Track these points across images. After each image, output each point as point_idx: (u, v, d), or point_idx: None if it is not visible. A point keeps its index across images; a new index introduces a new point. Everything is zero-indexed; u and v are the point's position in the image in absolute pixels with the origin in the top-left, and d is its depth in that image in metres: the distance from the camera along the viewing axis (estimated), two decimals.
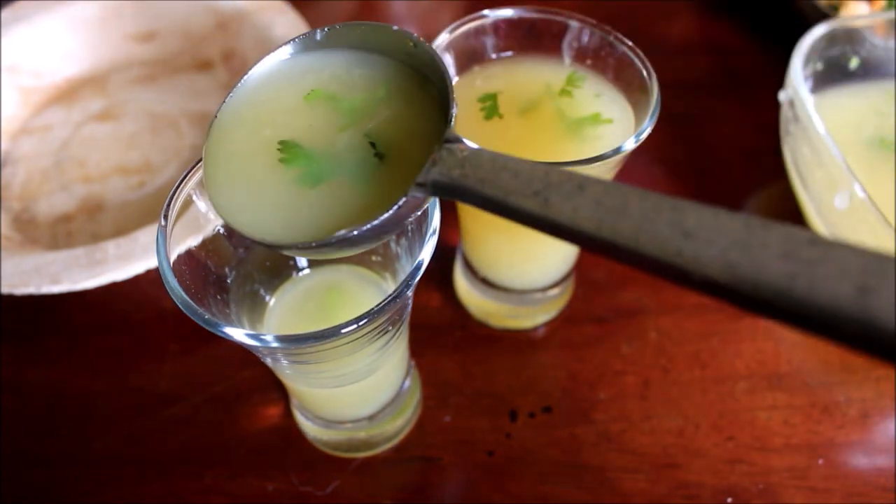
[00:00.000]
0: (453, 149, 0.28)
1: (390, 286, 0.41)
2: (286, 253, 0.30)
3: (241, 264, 0.41)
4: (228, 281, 0.40)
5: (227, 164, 0.32)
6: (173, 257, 0.35)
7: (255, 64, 0.34)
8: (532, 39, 0.49)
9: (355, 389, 0.47)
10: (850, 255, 0.20)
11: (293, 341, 0.32)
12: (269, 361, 0.42)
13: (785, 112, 0.63)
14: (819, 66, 0.63)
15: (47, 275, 0.55)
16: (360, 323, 0.32)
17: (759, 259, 0.21)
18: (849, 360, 0.58)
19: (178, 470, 0.52)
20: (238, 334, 0.32)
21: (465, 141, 0.40)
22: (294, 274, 0.43)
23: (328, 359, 0.39)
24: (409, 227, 0.37)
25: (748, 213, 0.23)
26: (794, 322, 0.20)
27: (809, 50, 0.61)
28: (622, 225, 0.23)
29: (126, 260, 0.55)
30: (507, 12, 0.48)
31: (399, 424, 0.53)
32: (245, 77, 0.34)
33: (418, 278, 0.33)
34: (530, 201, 0.26)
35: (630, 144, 0.41)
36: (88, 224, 0.66)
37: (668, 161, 0.72)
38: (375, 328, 0.34)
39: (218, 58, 0.79)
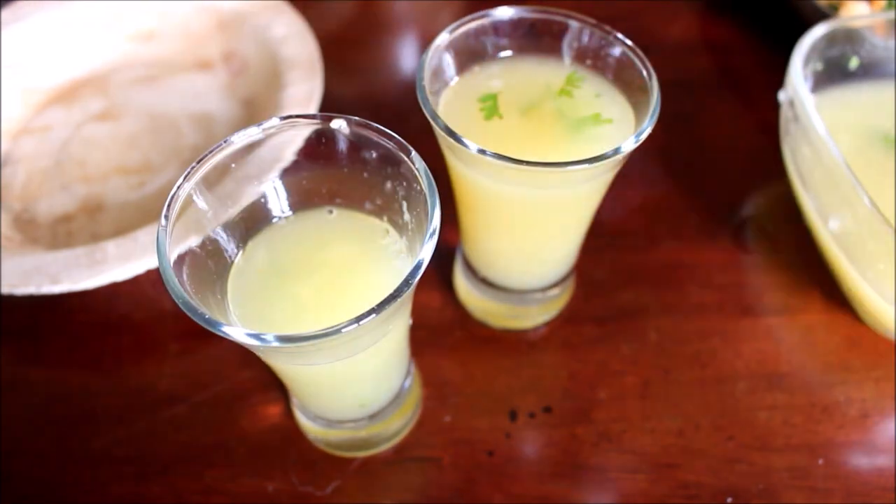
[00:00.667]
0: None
1: (393, 234, 0.42)
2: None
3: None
4: (228, 280, 0.40)
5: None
6: (173, 257, 0.35)
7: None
8: (532, 39, 0.49)
9: (356, 388, 0.47)
10: None
11: (293, 341, 0.32)
12: (270, 360, 0.42)
13: (785, 112, 0.63)
14: (819, 66, 0.63)
15: (47, 275, 0.55)
16: (362, 322, 0.32)
17: None
18: (849, 360, 0.58)
19: (178, 470, 0.52)
20: (238, 334, 0.32)
21: (466, 142, 0.40)
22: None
23: (329, 358, 0.39)
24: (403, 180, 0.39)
25: None
26: None
27: (809, 50, 0.61)
28: None
29: (126, 260, 0.55)
30: (507, 12, 0.48)
31: (399, 424, 0.53)
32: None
33: (418, 278, 0.33)
34: None
35: (630, 144, 0.41)
36: (88, 224, 0.66)
37: (668, 161, 0.72)
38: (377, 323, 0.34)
39: (218, 58, 0.79)
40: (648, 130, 0.42)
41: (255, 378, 0.56)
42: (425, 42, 0.83)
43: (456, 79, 0.48)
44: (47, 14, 0.75)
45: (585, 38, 0.48)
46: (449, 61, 0.47)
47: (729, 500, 0.51)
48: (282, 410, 0.55)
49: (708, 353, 0.58)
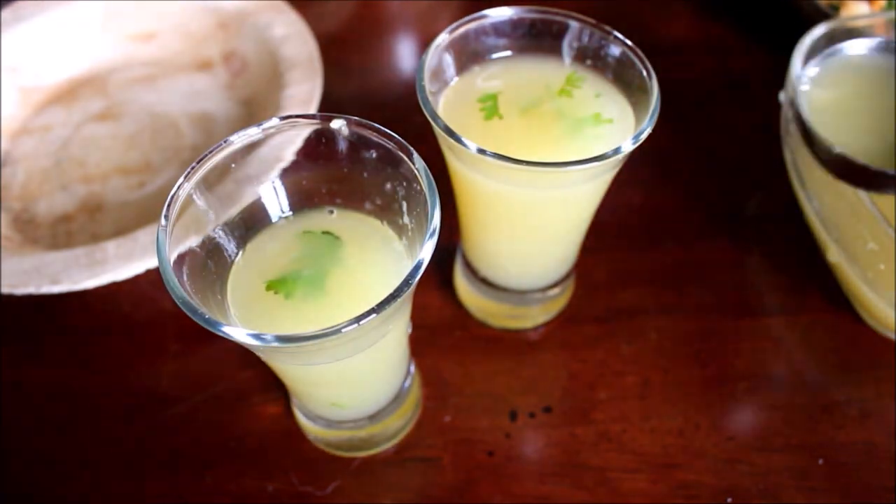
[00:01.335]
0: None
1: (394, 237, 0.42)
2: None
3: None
4: (228, 280, 0.40)
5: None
6: (173, 257, 0.35)
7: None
8: (532, 39, 0.49)
9: (356, 388, 0.47)
10: None
11: (293, 341, 0.32)
12: (270, 360, 0.42)
13: (785, 112, 0.63)
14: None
15: (47, 275, 0.55)
16: (362, 322, 0.32)
17: None
18: (849, 360, 0.58)
19: (178, 470, 0.52)
20: (238, 334, 0.32)
21: (466, 142, 0.40)
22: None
23: (329, 358, 0.39)
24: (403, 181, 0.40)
25: None
26: None
27: (809, 50, 0.61)
28: None
29: (126, 260, 0.55)
30: (507, 12, 0.48)
31: (399, 424, 0.53)
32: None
33: (418, 278, 0.33)
34: None
35: (630, 144, 0.41)
36: (88, 224, 0.66)
37: (668, 161, 0.72)
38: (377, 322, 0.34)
39: (218, 58, 0.79)
40: (648, 130, 0.42)
41: (255, 378, 0.56)
42: (425, 42, 0.83)
43: (456, 79, 0.48)
44: (47, 14, 0.75)
45: (585, 38, 0.48)
46: (449, 61, 0.47)
47: (729, 500, 0.51)
48: (282, 410, 0.55)
49: (708, 353, 0.58)
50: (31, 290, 0.55)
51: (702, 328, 0.60)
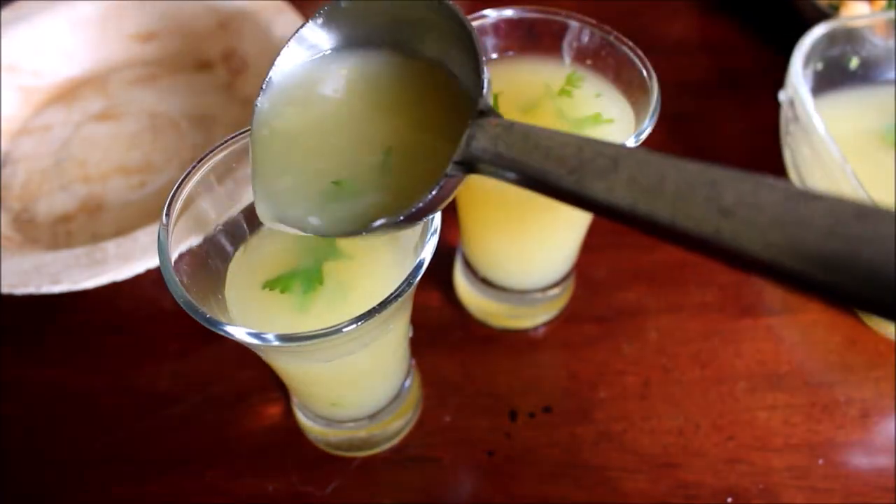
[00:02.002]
0: (485, 124, 0.28)
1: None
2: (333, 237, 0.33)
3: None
4: (227, 278, 0.40)
5: (277, 173, 0.34)
6: (174, 257, 0.35)
7: (281, 52, 0.35)
8: (532, 39, 0.49)
9: (357, 388, 0.47)
10: None
11: (294, 340, 0.32)
12: (270, 360, 0.42)
13: (785, 112, 0.63)
14: (819, 66, 0.63)
15: (47, 275, 0.55)
16: (362, 322, 0.32)
17: (801, 237, 0.20)
18: (849, 360, 0.58)
19: (178, 470, 0.52)
20: (239, 333, 0.32)
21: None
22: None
23: (330, 357, 0.39)
24: None
25: (790, 183, 0.22)
26: (847, 302, 0.20)
27: (809, 50, 0.61)
28: (658, 204, 0.23)
29: (126, 260, 0.55)
30: (507, 12, 0.48)
31: (399, 424, 0.53)
32: (273, 74, 0.35)
33: (419, 278, 0.33)
34: (565, 180, 0.26)
35: (630, 144, 0.41)
36: (88, 224, 0.66)
37: None
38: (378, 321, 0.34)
39: (218, 58, 0.79)
40: (648, 130, 0.42)
41: (255, 378, 0.56)
42: None
43: None
44: (47, 14, 0.75)
45: (585, 38, 0.48)
46: None
47: (729, 500, 0.51)
48: (282, 410, 0.55)
49: (708, 353, 0.58)
50: (31, 290, 0.55)
51: (702, 328, 0.60)
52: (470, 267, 0.59)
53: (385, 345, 0.43)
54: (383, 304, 0.32)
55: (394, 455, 0.53)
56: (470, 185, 0.47)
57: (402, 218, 0.29)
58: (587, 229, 0.54)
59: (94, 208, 0.67)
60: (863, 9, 0.73)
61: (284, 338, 0.32)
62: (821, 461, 0.52)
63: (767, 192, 0.21)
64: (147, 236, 0.57)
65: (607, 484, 0.51)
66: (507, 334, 0.60)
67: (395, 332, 0.43)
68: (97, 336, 0.60)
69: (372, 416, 0.50)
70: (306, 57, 0.36)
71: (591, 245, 0.58)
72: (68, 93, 0.77)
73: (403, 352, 0.49)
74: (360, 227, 0.31)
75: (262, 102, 0.35)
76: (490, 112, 0.29)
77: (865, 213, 0.19)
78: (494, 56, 0.50)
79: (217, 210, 0.39)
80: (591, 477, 0.52)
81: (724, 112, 0.78)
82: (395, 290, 0.33)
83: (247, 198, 0.41)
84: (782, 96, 0.63)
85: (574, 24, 0.48)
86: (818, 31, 0.62)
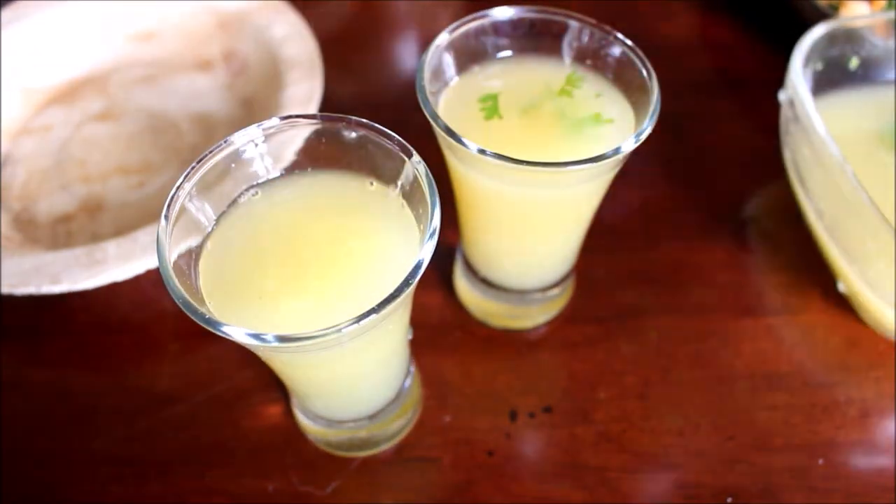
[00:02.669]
0: None
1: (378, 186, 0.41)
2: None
3: None
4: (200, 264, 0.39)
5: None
6: (173, 257, 0.35)
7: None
8: (532, 39, 0.49)
9: (357, 388, 0.47)
10: None
11: (293, 340, 0.32)
12: (269, 359, 0.42)
13: (785, 112, 0.63)
14: (819, 66, 0.63)
15: (47, 275, 0.55)
16: (361, 322, 0.32)
17: None
18: (849, 360, 0.58)
19: (178, 470, 0.52)
20: (237, 333, 0.32)
21: (466, 142, 0.40)
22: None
23: (331, 357, 0.39)
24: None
25: None
26: None
27: (809, 50, 0.61)
28: None
29: (126, 260, 0.55)
30: (507, 12, 0.48)
31: (399, 424, 0.53)
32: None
33: (418, 278, 0.33)
34: None
35: (630, 144, 0.41)
36: (88, 224, 0.66)
37: (668, 161, 0.72)
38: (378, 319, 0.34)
39: (218, 58, 0.79)
40: (648, 130, 0.42)
41: (255, 378, 0.56)
42: (425, 42, 0.83)
43: (456, 79, 0.48)
44: (47, 14, 0.75)
45: (585, 38, 0.48)
46: (449, 61, 0.47)
47: (729, 500, 0.51)
48: (282, 410, 0.55)
49: (708, 353, 0.58)
50: (31, 290, 0.55)
51: (702, 328, 0.60)
52: (470, 267, 0.59)
53: (385, 345, 0.43)
54: (382, 304, 0.32)
55: (394, 455, 0.53)
56: (470, 185, 0.47)
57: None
58: (587, 230, 0.54)
59: (94, 208, 0.67)
60: (863, 9, 0.73)
61: (283, 338, 0.32)
62: (821, 461, 0.52)
63: None
64: (147, 236, 0.57)
65: (607, 484, 0.51)
66: (507, 334, 0.60)
67: (395, 333, 0.43)
68: (97, 336, 0.60)
69: (372, 416, 0.50)
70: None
71: (590, 245, 0.58)
72: (68, 93, 0.77)
73: (403, 352, 0.49)
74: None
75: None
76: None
77: None
78: (494, 56, 0.50)
79: (217, 211, 0.39)
80: (591, 477, 0.52)
81: (724, 112, 0.78)
82: (394, 290, 0.33)
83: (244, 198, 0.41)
84: (782, 96, 0.63)
85: (574, 24, 0.48)
86: (818, 31, 0.62)
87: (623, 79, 0.47)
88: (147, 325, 0.60)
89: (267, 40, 0.73)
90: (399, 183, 0.39)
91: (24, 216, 0.67)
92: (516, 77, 0.49)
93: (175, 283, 0.34)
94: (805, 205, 0.61)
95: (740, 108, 0.78)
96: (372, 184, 0.41)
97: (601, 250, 0.64)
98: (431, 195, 0.36)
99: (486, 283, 0.58)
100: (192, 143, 0.72)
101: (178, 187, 0.36)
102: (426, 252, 0.34)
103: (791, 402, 0.55)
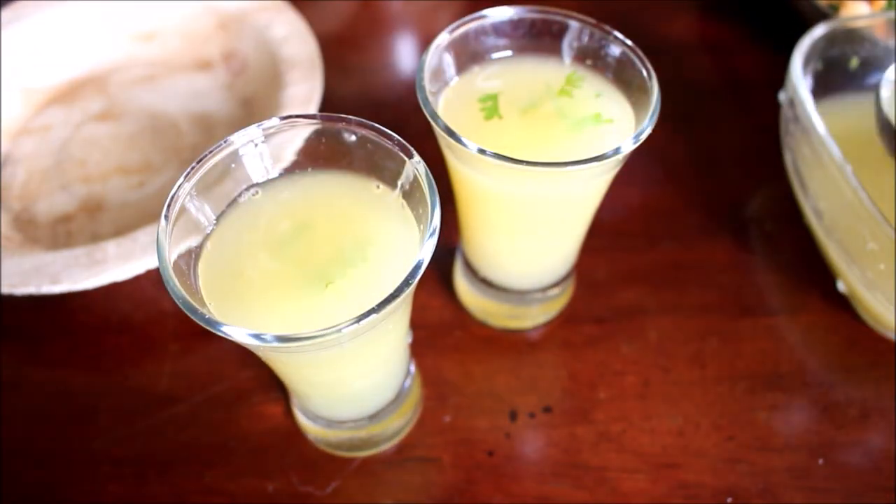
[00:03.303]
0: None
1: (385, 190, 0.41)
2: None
3: None
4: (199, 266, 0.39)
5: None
6: (173, 257, 0.35)
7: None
8: (532, 39, 0.49)
9: (357, 388, 0.47)
10: None
11: (293, 340, 0.32)
12: (272, 360, 0.42)
13: (785, 112, 0.63)
14: (819, 66, 0.63)
15: (47, 275, 0.55)
16: (361, 322, 0.32)
17: None
18: (849, 360, 0.58)
19: (178, 470, 0.52)
20: (238, 334, 0.32)
21: (466, 142, 0.40)
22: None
23: (331, 357, 0.39)
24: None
25: None
26: None
27: (809, 50, 0.61)
28: None
29: (126, 260, 0.55)
30: (507, 12, 0.48)
31: (399, 424, 0.53)
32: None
33: (418, 278, 0.33)
34: None
35: (630, 144, 0.41)
36: (88, 224, 0.66)
37: (668, 161, 0.72)
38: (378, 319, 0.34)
39: (218, 58, 0.79)
40: (648, 130, 0.42)
41: (255, 378, 0.56)
42: (425, 42, 0.83)
43: (456, 79, 0.48)
44: (47, 14, 0.75)
45: (585, 38, 0.48)
46: (449, 61, 0.47)
47: (729, 500, 0.51)
48: (282, 410, 0.55)
49: (708, 353, 0.58)
50: (31, 290, 0.55)
51: (702, 328, 0.60)
52: (470, 267, 0.59)
53: (385, 345, 0.43)
54: (382, 304, 0.32)
55: (394, 455, 0.53)
56: (470, 185, 0.47)
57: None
58: (587, 230, 0.54)
59: (94, 208, 0.67)
60: (863, 9, 0.73)
61: (283, 338, 0.32)
62: (821, 461, 0.52)
63: None
64: (147, 236, 0.57)
65: (607, 484, 0.51)
66: (507, 334, 0.60)
67: (395, 333, 0.43)
68: (97, 336, 0.60)
69: (372, 416, 0.50)
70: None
71: (590, 245, 0.58)
72: (68, 93, 0.77)
73: (403, 352, 0.49)
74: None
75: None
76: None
77: None
78: (494, 56, 0.50)
79: (217, 211, 0.39)
80: (591, 477, 0.52)
81: (724, 112, 0.78)
82: (394, 290, 0.33)
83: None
84: (782, 96, 0.63)
85: (574, 24, 0.48)
86: (818, 32, 0.62)
87: (623, 79, 0.47)
88: (147, 325, 0.60)
89: (267, 40, 0.73)
90: (399, 183, 0.40)
91: (24, 216, 0.67)
92: (516, 77, 0.49)
93: (175, 283, 0.34)
94: (805, 205, 0.61)
95: (740, 108, 0.78)
96: (378, 186, 0.41)
97: (601, 250, 0.64)
98: (431, 195, 0.36)
99: (486, 283, 0.58)
100: (192, 143, 0.72)
101: (178, 187, 0.36)
102: (426, 252, 0.34)
103: (791, 402, 0.56)
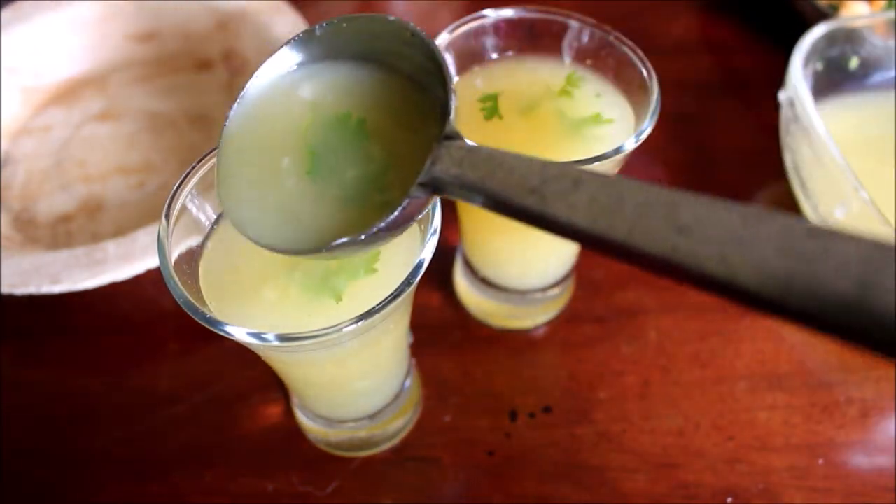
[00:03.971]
0: (451, 146, 0.28)
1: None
2: (294, 255, 0.31)
3: None
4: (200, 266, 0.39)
5: (240, 183, 0.33)
6: (174, 257, 0.35)
7: (258, 69, 0.35)
8: (532, 39, 0.49)
9: (357, 388, 0.47)
10: (850, 246, 0.19)
11: (293, 340, 0.32)
12: (272, 359, 0.42)
13: (785, 112, 0.63)
14: (819, 66, 0.63)
15: (47, 275, 0.55)
16: (361, 322, 0.32)
17: (757, 255, 0.20)
18: (849, 360, 0.58)
19: (178, 470, 0.52)
20: (238, 333, 0.32)
21: (461, 139, 0.40)
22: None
23: (331, 357, 0.39)
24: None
25: (748, 205, 0.22)
26: (794, 319, 0.20)
27: (809, 50, 0.61)
28: (617, 222, 0.23)
29: (126, 260, 0.55)
30: (507, 12, 0.48)
31: (399, 424, 0.53)
32: (249, 85, 0.35)
33: (418, 278, 0.33)
34: (528, 199, 0.26)
35: (630, 144, 0.41)
36: (88, 224, 0.66)
37: (668, 161, 0.72)
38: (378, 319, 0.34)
39: (218, 58, 0.79)
40: (648, 130, 0.42)
41: (255, 378, 0.56)
42: None
43: (456, 79, 0.48)
44: (47, 14, 0.75)
45: (585, 38, 0.48)
46: (449, 61, 0.47)
47: (729, 500, 0.51)
48: (282, 410, 0.55)
49: (708, 353, 0.58)
50: (31, 290, 0.55)
51: (701, 328, 0.60)
52: (470, 267, 0.59)
53: (385, 345, 0.43)
54: (382, 304, 0.32)
55: (394, 455, 0.53)
56: None
57: (362, 237, 0.29)
58: None
59: (94, 208, 0.67)
60: (863, 9, 0.73)
61: (284, 338, 0.32)
62: (821, 461, 0.52)
63: (724, 212, 0.22)
64: (147, 236, 0.57)
65: (607, 484, 0.51)
66: (507, 334, 0.60)
67: (395, 332, 0.43)
68: (97, 336, 0.60)
69: (372, 416, 0.50)
70: (283, 70, 0.35)
71: None
72: (68, 93, 0.77)
73: (403, 352, 0.49)
74: (321, 245, 0.30)
75: (236, 110, 0.35)
76: (456, 136, 0.29)
77: (818, 232, 0.20)
78: (494, 56, 0.50)
79: (217, 210, 0.39)
80: (591, 477, 0.52)
81: (724, 112, 0.78)
82: (395, 290, 0.33)
83: None
84: (782, 96, 0.63)
85: (574, 24, 0.48)
86: (818, 31, 0.62)
87: (623, 79, 0.47)
88: (147, 325, 0.60)
89: (267, 40, 0.73)
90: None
91: (24, 216, 0.67)
92: (516, 77, 0.49)
93: (176, 282, 0.34)
94: (805, 205, 0.61)
95: (740, 108, 0.78)
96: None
97: None
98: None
99: (486, 283, 0.58)
100: (192, 142, 0.72)
101: (178, 187, 0.36)
102: (426, 252, 0.34)
103: (791, 402, 0.56)
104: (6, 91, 0.73)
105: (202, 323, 0.32)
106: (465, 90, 0.48)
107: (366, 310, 0.32)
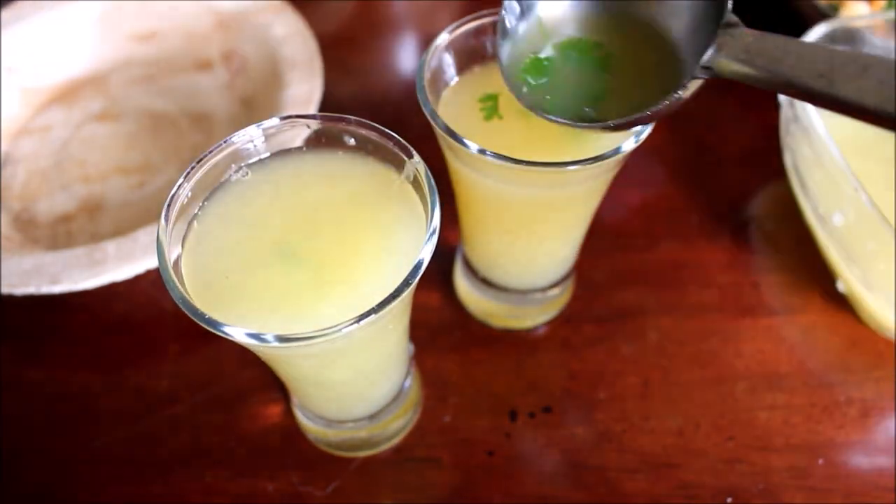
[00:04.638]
0: (736, 34, 0.34)
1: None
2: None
3: None
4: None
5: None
6: (173, 257, 0.35)
7: None
8: None
9: (356, 388, 0.47)
10: None
11: (293, 340, 0.32)
12: (272, 360, 0.42)
13: (785, 112, 0.63)
14: None
15: (47, 275, 0.55)
16: (361, 322, 0.32)
17: None
18: (849, 360, 0.58)
19: (178, 470, 0.52)
20: (238, 333, 0.32)
21: (466, 142, 0.40)
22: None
23: (331, 357, 0.39)
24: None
25: None
26: None
27: None
28: None
29: (126, 260, 0.55)
30: None
31: (399, 424, 0.53)
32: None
33: (418, 278, 0.33)
34: (817, 82, 0.30)
35: (629, 145, 0.41)
36: (88, 224, 0.66)
37: (668, 161, 0.72)
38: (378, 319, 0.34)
39: (218, 58, 0.79)
40: (648, 130, 0.41)
41: (255, 378, 0.56)
42: (425, 42, 0.83)
43: (456, 79, 0.48)
44: (47, 14, 0.75)
45: None
46: (449, 61, 0.47)
47: (729, 500, 0.51)
48: (282, 410, 0.55)
49: (708, 353, 0.58)
50: (31, 290, 0.55)
51: (701, 328, 0.60)
52: (470, 267, 0.59)
53: (385, 345, 0.43)
54: (382, 304, 0.32)
55: (394, 455, 0.53)
56: (470, 185, 0.47)
57: (648, 113, 0.36)
58: (587, 230, 0.54)
59: (93, 208, 0.67)
60: (863, 9, 0.73)
61: (283, 338, 0.32)
62: (821, 461, 0.52)
63: None
64: (147, 236, 0.57)
65: (607, 484, 0.51)
66: (507, 334, 0.60)
67: (395, 332, 0.43)
68: (97, 336, 0.60)
69: (372, 416, 0.50)
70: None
71: (590, 246, 0.58)
72: (68, 93, 0.77)
73: (403, 352, 0.49)
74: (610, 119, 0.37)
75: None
76: (738, 24, 0.34)
77: None
78: (494, 56, 0.50)
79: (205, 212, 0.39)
80: (591, 477, 0.52)
81: (724, 112, 0.78)
82: (394, 290, 0.33)
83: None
84: (782, 96, 0.63)
85: None
86: (818, 31, 0.62)
87: None
88: (147, 325, 0.60)
89: (267, 40, 0.73)
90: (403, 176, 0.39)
91: (24, 216, 0.67)
92: None
93: (175, 283, 0.34)
94: (805, 205, 0.61)
95: (740, 108, 0.78)
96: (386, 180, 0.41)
97: (601, 250, 0.64)
98: (431, 195, 0.36)
99: (486, 283, 0.58)
100: (192, 142, 0.72)
101: (178, 187, 0.36)
102: (426, 252, 0.34)
103: (791, 402, 0.56)
104: (6, 91, 0.73)
105: (201, 323, 0.32)
106: (466, 90, 0.48)
107: (365, 310, 0.32)
